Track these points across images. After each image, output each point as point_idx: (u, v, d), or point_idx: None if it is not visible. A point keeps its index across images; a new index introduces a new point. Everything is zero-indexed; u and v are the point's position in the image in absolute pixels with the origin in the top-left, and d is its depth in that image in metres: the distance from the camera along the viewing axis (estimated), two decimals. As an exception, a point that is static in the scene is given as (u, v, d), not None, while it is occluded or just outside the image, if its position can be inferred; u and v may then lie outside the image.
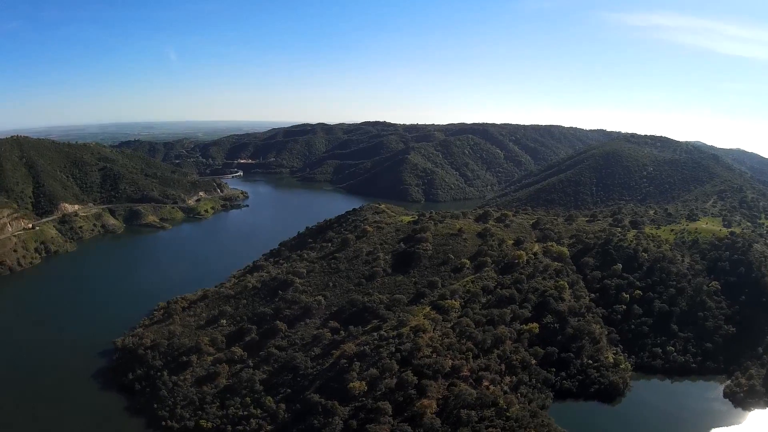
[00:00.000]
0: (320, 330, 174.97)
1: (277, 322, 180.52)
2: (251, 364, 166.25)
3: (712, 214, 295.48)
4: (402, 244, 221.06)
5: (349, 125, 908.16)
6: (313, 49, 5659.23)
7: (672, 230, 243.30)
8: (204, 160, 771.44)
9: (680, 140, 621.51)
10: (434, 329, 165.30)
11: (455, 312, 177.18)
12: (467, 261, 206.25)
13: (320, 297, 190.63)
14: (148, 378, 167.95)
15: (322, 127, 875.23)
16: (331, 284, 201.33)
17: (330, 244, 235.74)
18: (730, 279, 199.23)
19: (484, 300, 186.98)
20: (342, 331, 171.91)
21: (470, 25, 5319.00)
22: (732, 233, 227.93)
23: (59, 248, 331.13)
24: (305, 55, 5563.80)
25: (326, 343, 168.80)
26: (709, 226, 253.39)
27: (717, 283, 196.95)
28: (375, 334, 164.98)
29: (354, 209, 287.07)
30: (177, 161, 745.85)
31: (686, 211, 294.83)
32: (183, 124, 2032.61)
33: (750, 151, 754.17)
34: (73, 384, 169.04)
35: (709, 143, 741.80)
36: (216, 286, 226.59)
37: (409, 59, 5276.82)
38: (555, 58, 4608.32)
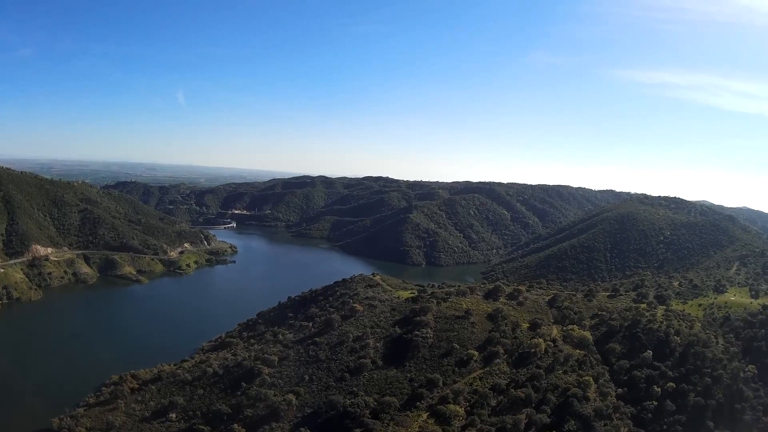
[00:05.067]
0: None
1: (235, 425, 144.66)
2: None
3: (738, 283, 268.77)
4: (397, 328, 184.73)
5: (351, 179, 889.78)
6: (319, 99, 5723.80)
7: (700, 305, 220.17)
8: (198, 207, 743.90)
9: (690, 200, 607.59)
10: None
11: (459, 420, 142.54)
12: (475, 352, 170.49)
13: (291, 395, 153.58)
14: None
15: (323, 180, 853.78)
16: (306, 378, 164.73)
17: (311, 324, 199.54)
18: (766, 362, 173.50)
19: (494, 403, 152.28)
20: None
21: (478, 80, 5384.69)
22: (764, 306, 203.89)
23: (22, 295, 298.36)
24: (312, 104, 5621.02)
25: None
26: (737, 298, 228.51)
27: (754, 367, 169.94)
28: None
29: (344, 279, 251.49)
30: (171, 206, 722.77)
31: (712, 282, 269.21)
32: (186, 168, 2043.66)
33: (757, 209, 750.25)
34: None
35: (716, 202, 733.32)
36: (175, 364, 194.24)
37: (415, 113, 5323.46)
38: (562, 114, 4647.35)
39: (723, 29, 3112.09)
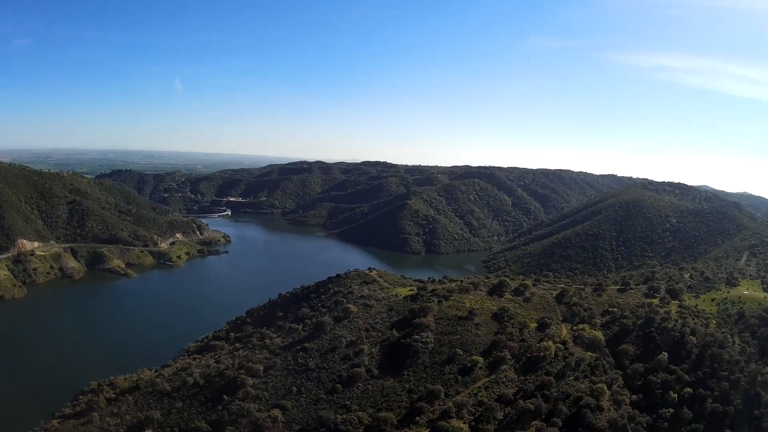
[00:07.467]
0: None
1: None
2: None
3: (750, 275, 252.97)
4: (395, 332, 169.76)
5: (348, 164, 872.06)
6: (317, 83, 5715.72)
7: (713, 299, 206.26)
8: (192, 195, 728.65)
9: (692, 185, 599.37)
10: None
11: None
12: (479, 358, 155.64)
13: (277, 411, 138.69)
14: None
15: (320, 165, 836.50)
16: (294, 389, 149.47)
17: (301, 327, 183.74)
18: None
19: (501, 416, 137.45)
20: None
21: (475, 64, 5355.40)
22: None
23: (6, 293, 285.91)
24: (309, 89, 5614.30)
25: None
26: (751, 292, 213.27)
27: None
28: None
29: (338, 275, 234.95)
30: (165, 195, 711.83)
31: (723, 274, 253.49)
32: (184, 155, 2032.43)
33: (757, 195, 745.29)
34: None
35: (717, 187, 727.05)
36: (156, 371, 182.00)
37: (413, 97, 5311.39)
38: (560, 98, 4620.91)
39: (722, 13, 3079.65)
